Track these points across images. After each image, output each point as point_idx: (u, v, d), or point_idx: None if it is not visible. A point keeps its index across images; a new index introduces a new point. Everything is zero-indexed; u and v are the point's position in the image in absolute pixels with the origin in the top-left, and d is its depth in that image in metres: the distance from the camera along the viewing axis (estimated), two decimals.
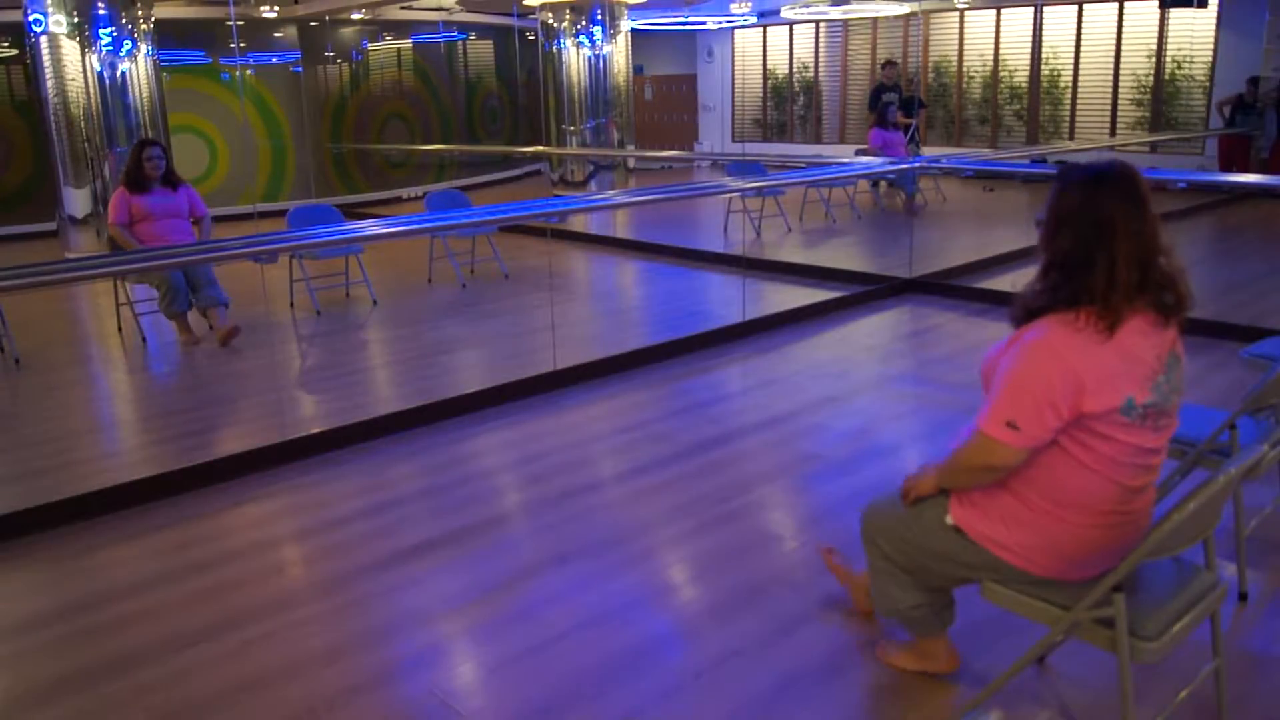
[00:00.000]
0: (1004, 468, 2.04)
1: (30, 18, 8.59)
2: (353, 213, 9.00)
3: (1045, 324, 2.00)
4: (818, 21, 15.55)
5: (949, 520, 2.18)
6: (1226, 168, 11.24)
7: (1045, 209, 2.08)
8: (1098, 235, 1.95)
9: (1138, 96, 12.72)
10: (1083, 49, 13.05)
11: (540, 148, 13.44)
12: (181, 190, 6.06)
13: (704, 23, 15.21)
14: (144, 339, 6.11)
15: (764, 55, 16.54)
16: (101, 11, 8.66)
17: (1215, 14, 11.78)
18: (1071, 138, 13.16)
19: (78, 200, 8.98)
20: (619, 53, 12.10)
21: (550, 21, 12.04)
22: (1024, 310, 2.06)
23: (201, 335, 6.00)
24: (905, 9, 13.68)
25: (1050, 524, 2.06)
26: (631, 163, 13.35)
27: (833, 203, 10.41)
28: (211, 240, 5.94)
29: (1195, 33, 12.13)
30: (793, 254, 8.34)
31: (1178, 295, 2.00)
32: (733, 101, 16.97)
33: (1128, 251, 1.94)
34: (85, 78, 8.69)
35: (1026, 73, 13.57)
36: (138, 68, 8.95)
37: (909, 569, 2.32)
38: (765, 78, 16.59)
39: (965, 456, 2.09)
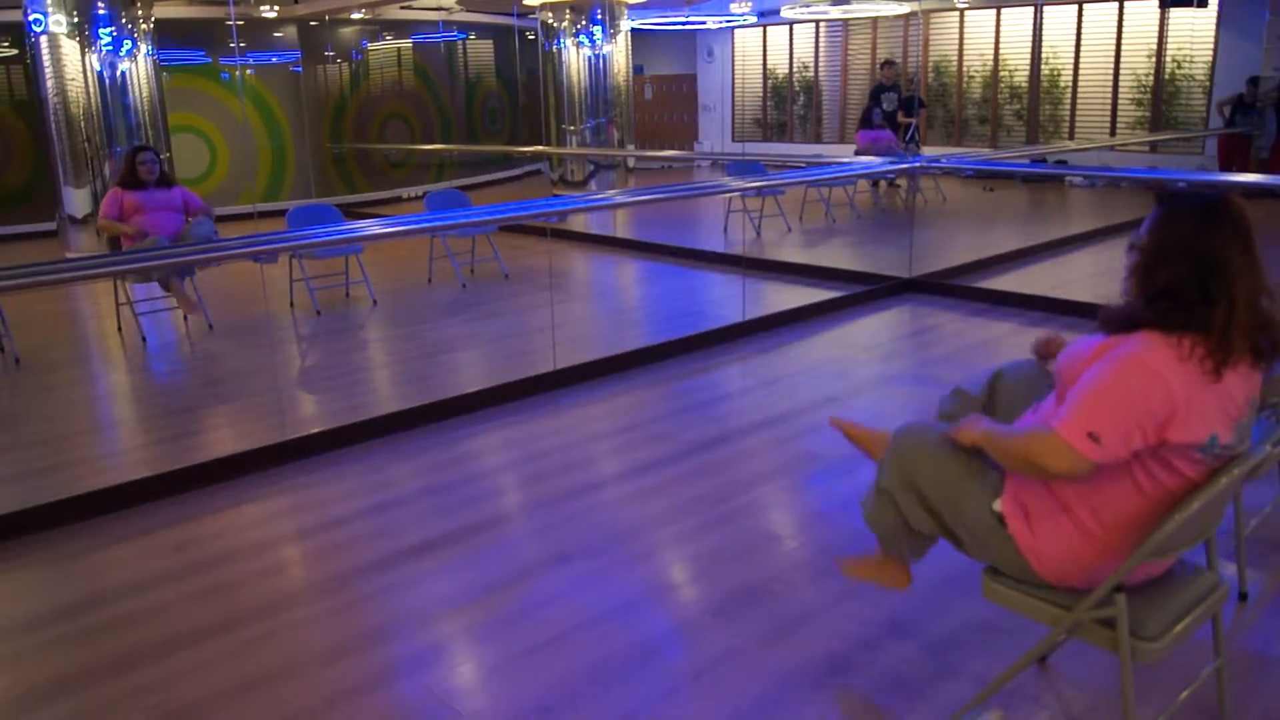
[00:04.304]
0: (1066, 475, 1.93)
1: (30, 18, 8.58)
2: (353, 212, 9.01)
3: (1146, 340, 1.88)
4: (818, 21, 15.55)
5: (996, 506, 2.11)
6: (1226, 167, 11.23)
7: (1146, 234, 1.97)
8: (1213, 272, 1.86)
9: (1138, 96, 12.72)
10: (1083, 49, 13.05)
11: (540, 148, 13.43)
12: (176, 189, 6.15)
13: (704, 22, 15.21)
14: (144, 339, 6.11)
15: (764, 55, 16.54)
16: (101, 11, 8.65)
17: (1215, 14, 11.77)
18: (1071, 137, 13.16)
19: (78, 200, 8.97)
20: (619, 53, 12.09)
21: (550, 21, 12.04)
22: (1125, 320, 1.94)
23: (195, 306, 5.98)
24: (905, 9, 13.68)
25: (1088, 547, 2.00)
26: (631, 162, 13.35)
27: (833, 203, 10.41)
28: (211, 240, 5.95)
29: (1195, 33, 12.12)
30: (793, 254, 8.34)
31: (1273, 340, 1.91)
32: (733, 101, 16.97)
33: (1245, 294, 1.86)
34: (85, 78, 8.69)
35: (1026, 72, 13.57)
36: (138, 68, 8.94)
37: (923, 503, 2.24)
38: (765, 77, 16.59)
39: (1030, 449, 1.95)
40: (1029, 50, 13.48)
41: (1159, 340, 1.87)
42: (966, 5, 13.74)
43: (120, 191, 5.95)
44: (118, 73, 8.82)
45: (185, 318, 5.94)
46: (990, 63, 13.92)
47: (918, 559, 2.44)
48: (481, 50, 14.47)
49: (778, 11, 14.78)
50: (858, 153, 10.96)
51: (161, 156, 6.18)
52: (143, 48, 8.99)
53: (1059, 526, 2.03)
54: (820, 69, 15.92)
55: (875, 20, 14.89)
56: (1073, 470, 1.90)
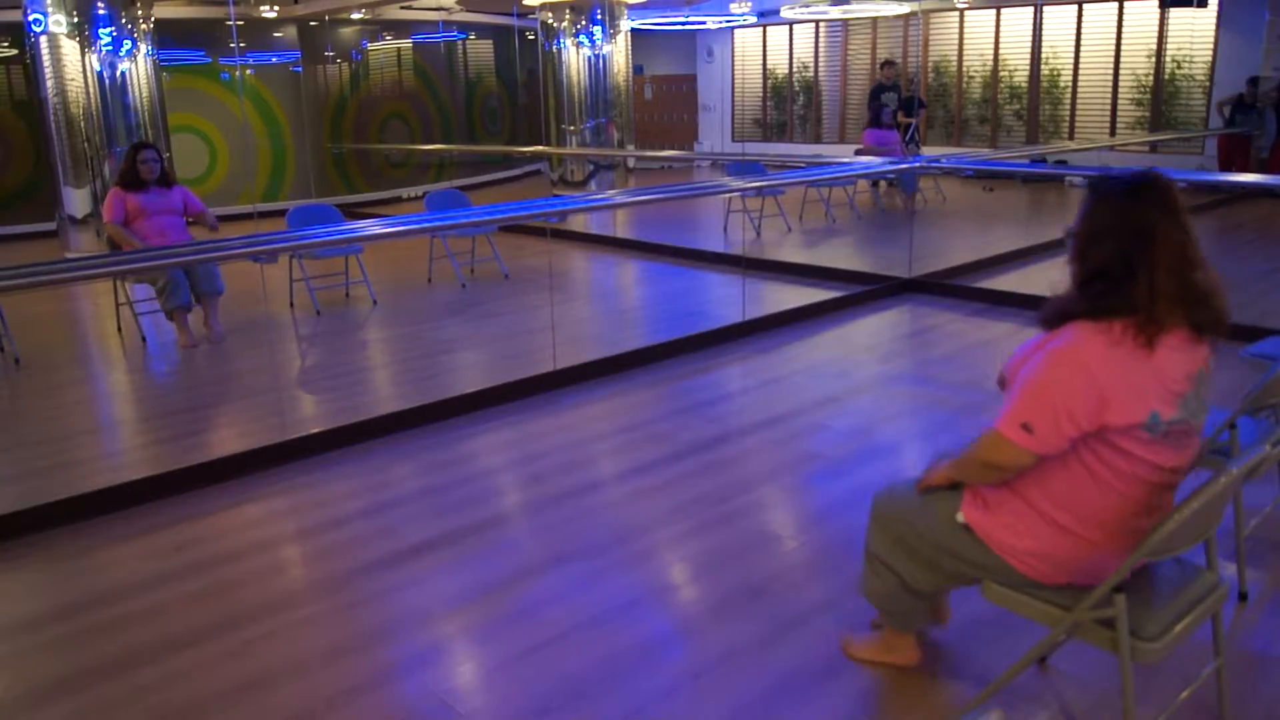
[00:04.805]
0: (1010, 468, 2.04)
1: (30, 18, 8.58)
2: (353, 213, 9.01)
3: (1076, 331, 1.96)
4: (818, 21, 15.55)
5: (960, 518, 2.18)
6: (1226, 167, 11.23)
7: (1079, 220, 2.03)
8: (1138, 247, 1.91)
9: (1138, 96, 12.72)
10: (1083, 49, 13.05)
11: (540, 148, 13.43)
12: (176, 189, 6.11)
13: (704, 23, 15.21)
14: (144, 339, 6.11)
15: (764, 55, 16.54)
16: (101, 11, 8.65)
17: (1215, 14, 11.78)
18: (1071, 138, 13.16)
19: (78, 200, 8.97)
20: (619, 53, 12.09)
21: (550, 21, 12.04)
22: (1057, 314, 2.01)
23: (200, 339, 6.00)
24: (905, 9, 13.68)
25: (1061, 538, 2.04)
26: (631, 163, 13.35)
27: (833, 203, 10.41)
28: (211, 240, 5.94)
29: (1195, 33, 12.13)
30: (793, 254, 8.34)
31: (1213, 312, 1.95)
32: (733, 101, 16.97)
33: (1168, 263, 1.90)
34: (85, 78, 8.69)
35: (1026, 72, 13.57)
36: (138, 68, 8.94)
37: (914, 557, 2.29)
38: (765, 77, 16.59)
39: (979, 452, 2.08)
40: (1029, 50, 13.48)
41: (1088, 329, 1.94)
42: (966, 5, 13.74)
43: (123, 193, 5.89)
44: (118, 73, 8.82)
45: (186, 319, 5.93)
46: (990, 63, 13.92)
47: (924, 623, 2.46)
48: (481, 50, 14.47)
49: (778, 11, 14.78)
50: (859, 152, 10.96)
51: (162, 155, 6.16)
52: (143, 48, 8.99)
53: (1025, 521, 2.08)
54: (820, 69, 15.92)
55: (875, 20, 14.89)
56: (1016, 461, 2.01)
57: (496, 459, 4.08)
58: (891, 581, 2.36)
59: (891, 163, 8.87)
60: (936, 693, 2.42)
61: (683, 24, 15.13)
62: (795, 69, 16.21)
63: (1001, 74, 13.81)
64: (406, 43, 13.28)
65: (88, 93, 8.72)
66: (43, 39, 8.59)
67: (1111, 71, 12.80)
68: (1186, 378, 1.95)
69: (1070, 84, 13.21)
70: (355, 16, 12.43)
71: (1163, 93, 12.48)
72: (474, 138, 14.34)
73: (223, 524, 3.52)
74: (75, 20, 8.58)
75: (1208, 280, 1.95)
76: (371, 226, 5.17)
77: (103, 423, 4.79)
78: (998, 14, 13.65)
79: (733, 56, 16.87)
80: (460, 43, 14.08)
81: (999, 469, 2.05)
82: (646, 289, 7.61)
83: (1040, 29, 13.24)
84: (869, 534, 2.41)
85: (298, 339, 6.17)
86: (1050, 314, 2.04)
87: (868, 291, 6.71)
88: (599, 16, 11.82)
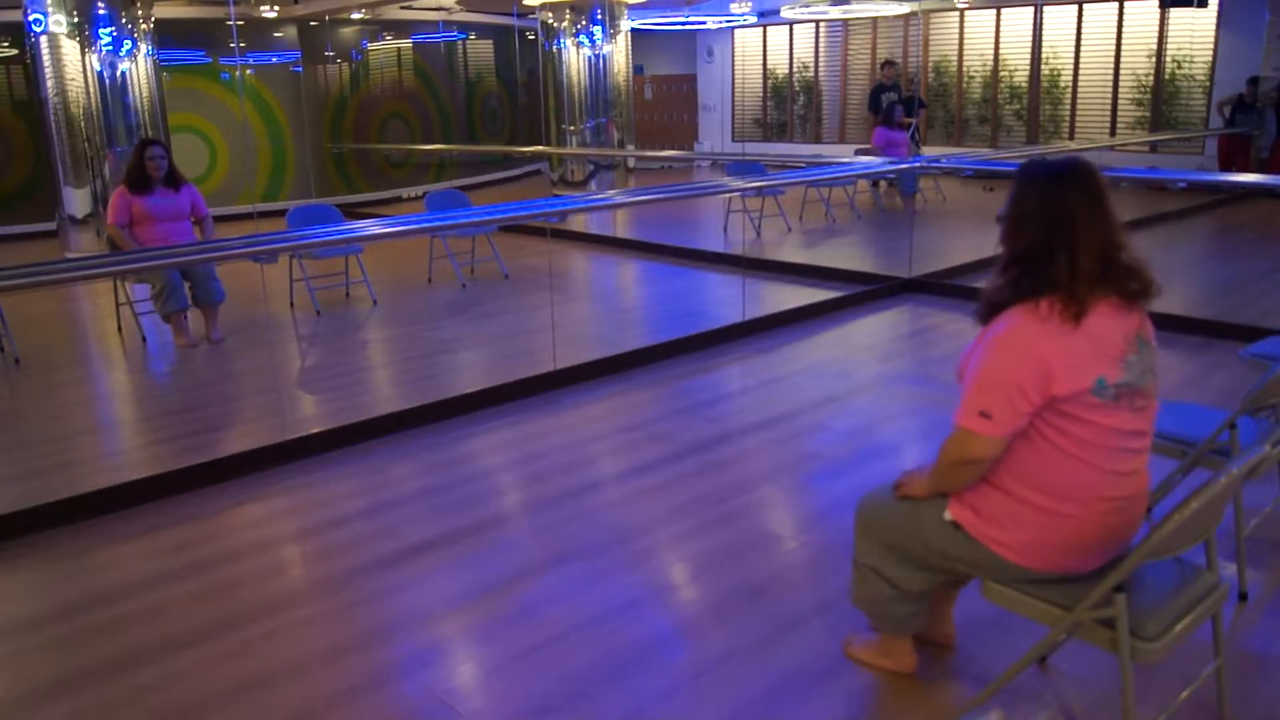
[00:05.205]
0: (984, 459, 2.06)
1: (30, 18, 8.58)
2: (352, 213, 9.01)
3: (1009, 316, 2.04)
4: (818, 21, 15.55)
5: (947, 516, 2.19)
6: (1226, 167, 11.23)
7: (1006, 205, 2.12)
8: (1059, 230, 2.00)
9: (1138, 96, 12.72)
10: (1083, 49, 13.05)
11: (540, 148, 13.43)
12: (184, 190, 6.02)
13: (704, 22, 15.21)
14: (144, 339, 6.11)
15: (764, 55, 16.54)
16: (101, 11, 8.65)
17: (1215, 14, 11.78)
18: (1071, 137, 13.16)
19: (78, 200, 8.97)
20: (619, 53, 12.10)
21: (550, 21, 12.04)
22: (988, 306, 2.10)
23: (199, 340, 6.00)
24: (905, 9, 13.68)
25: (1044, 519, 2.06)
26: (631, 163, 13.35)
27: (833, 203, 10.41)
28: (211, 240, 5.93)
29: (1195, 33, 12.13)
30: (793, 254, 8.34)
31: (1142, 282, 2.03)
32: (733, 101, 16.97)
33: (1089, 245, 1.98)
34: (85, 78, 8.69)
35: (1026, 72, 13.57)
36: (138, 68, 8.94)
37: (905, 561, 2.30)
38: (765, 77, 16.59)
39: (949, 452, 2.11)
40: (1029, 50, 13.48)
41: (1017, 312, 2.02)
42: (966, 5, 13.74)
43: (129, 195, 5.80)
44: (118, 73, 8.82)
45: (185, 320, 5.93)
46: (990, 63, 13.92)
47: (920, 627, 2.46)
48: (481, 50, 14.47)
49: (778, 11, 14.78)
50: (859, 151, 10.95)
51: (170, 153, 6.11)
52: (143, 48, 8.99)
53: (1008, 511, 2.10)
54: (820, 69, 15.92)
55: (875, 20, 14.89)
56: (985, 451, 2.04)
57: (496, 459, 4.08)
58: (882, 588, 2.36)
59: (891, 163, 8.87)
60: (936, 693, 2.42)
61: (683, 24, 15.14)
62: (795, 69, 16.21)
63: (1001, 74, 13.81)
64: (406, 43, 13.28)
65: (88, 93, 8.72)
66: (43, 39, 8.59)
67: (1111, 71, 12.80)
68: (1124, 340, 2.01)
69: (1070, 84, 13.20)
70: (355, 16, 12.43)
71: (1163, 93, 12.48)
72: (474, 138, 14.34)
73: (223, 524, 3.52)
74: (75, 20, 8.58)
75: (1131, 258, 2.03)
76: (371, 226, 5.17)
77: (103, 423, 4.79)
78: (998, 14, 13.65)
79: (733, 56, 16.87)
80: (460, 43, 14.08)
81: (972, 463, 2.08)
82: (646, 289, 7.62)
83: (1040, 29, 13.24)
84: (856, 543, 2.42)
85: (298, 339, 6.17)
86: (983, 308, 2.12)
87: (868, 291, 6.71)
88: (599, 16, 11.82)
